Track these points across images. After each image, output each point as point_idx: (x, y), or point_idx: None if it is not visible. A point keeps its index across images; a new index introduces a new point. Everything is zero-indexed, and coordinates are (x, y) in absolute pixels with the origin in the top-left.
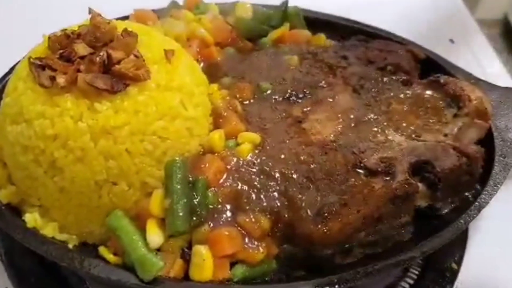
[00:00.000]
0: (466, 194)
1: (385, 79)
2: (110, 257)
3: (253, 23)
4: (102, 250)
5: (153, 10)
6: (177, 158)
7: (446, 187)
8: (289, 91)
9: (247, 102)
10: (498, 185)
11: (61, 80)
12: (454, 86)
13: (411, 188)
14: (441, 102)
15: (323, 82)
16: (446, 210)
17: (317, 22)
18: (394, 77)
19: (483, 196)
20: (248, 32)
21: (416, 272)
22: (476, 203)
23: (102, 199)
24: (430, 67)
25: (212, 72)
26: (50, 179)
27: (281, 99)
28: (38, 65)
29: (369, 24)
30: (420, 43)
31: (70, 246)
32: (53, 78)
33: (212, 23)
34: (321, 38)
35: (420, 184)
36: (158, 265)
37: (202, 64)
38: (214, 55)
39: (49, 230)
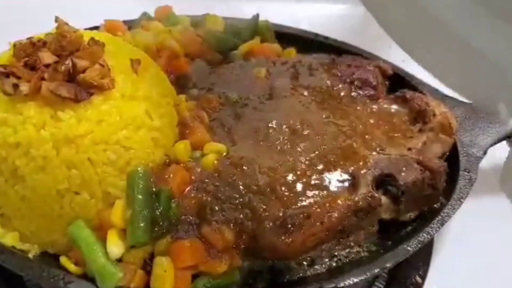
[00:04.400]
0: (430, 208)
1: (352, 93)
2: (71, 267)
3: (223, 36)
4: (64, 260)
5: (124, 21)
6: (139, 168)
7: (409, 200)
8: (256, 103)
9: (214, 113)
10: (462, 199)
11: (24, 88)
12: (419, 101)
13: (374, 201)
14: (406, 117)
15: (290, 94)
16: (409, 224)
17: (287, 37)
18: (361, 92)
19: (446, 210)
20: (218, 45)
21: (381, 286)
22: (439, 216)
23: (64, 209)
24: (398, 82)
25: (181, 83)
26: (11, 188)
27: (248, 110)
28: (2, 73)
29: (338, 39)
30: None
31: (31, 255)
32: (16, 86)
33: (183, 34)
34: (292, 52)
35: (383, 197)
36: (118, 275)
37: (171, 75)
38: (183, 67)
39: (9, 239)
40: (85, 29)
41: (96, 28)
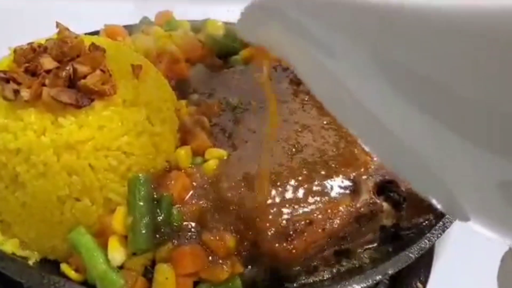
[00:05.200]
0: (432, 214)
1: None
2: (71, 274)
3: (224, 41)
4: (64, 266)
5: (124, 26)
6: (140, 175)
7: (411, 206)
8: (257, 108)
9: (215, 118)
10: None
11: (25, 93)
12: None
13: (375, 207)
14: None
15: (292, 99)
16: (411, 230)
17: None
18: None
19: (448, 216)
20: (218, 50)
21: None
22: (441, 222)
23: (65, 215)
24: None
25: (181, 89)
26: (11, 194)
27: (249, 115)
28: (3, 78)
29: None
30: None
31: (31, 262)
32: (17, 92)
33: (183, 39)
34: None
35: (385, 204)
36: (119, 283)
37: (171, 80)
38: (183, 72)
39: (9, 246)
40: (85, 34)
41: (96, 33)
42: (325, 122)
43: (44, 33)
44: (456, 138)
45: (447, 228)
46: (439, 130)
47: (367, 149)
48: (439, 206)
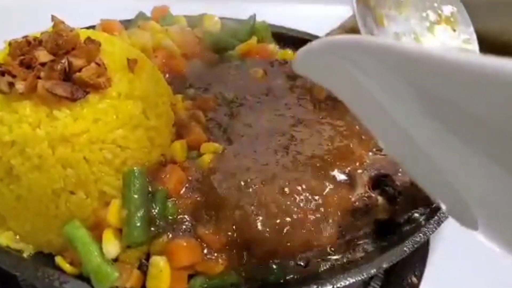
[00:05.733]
0: (426, 208)
1: None
2: (66, 267)
3: (220, 36)
4: (59, 259)
5: (121, 21)
6: (135, 168)
7: (406, 200)
8: (253, 103)
9: (211, 113)
10: None
11: (20, 86)
12: None
13: (370, 201)
14: None
15: (287, 93)
16: (406, 224)
17: (284, 37)
18: None
19: (443, 210)
20: (215, 45)
21: (377, 286)
22: (436, 217)
23: (60, 208)
24: None
25: (177, 83)
26: (6, 187)
27: (244, 110)
28: None
29: None
30: None
31: (25, 255)
32: (12, 84)
33: (179, 34)
34: (288, 53)
35: (380, 198)
36: (113, 275)
37: (167, 75)
38: (180, 67)
39: (4, 239)
40: (81, 28)
41: (92, 27)
42: (321, 117)
43: (40, 28)
44: (486, 162)
45: (442, 222)
46: (466, 152)
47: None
48: (446, 211)
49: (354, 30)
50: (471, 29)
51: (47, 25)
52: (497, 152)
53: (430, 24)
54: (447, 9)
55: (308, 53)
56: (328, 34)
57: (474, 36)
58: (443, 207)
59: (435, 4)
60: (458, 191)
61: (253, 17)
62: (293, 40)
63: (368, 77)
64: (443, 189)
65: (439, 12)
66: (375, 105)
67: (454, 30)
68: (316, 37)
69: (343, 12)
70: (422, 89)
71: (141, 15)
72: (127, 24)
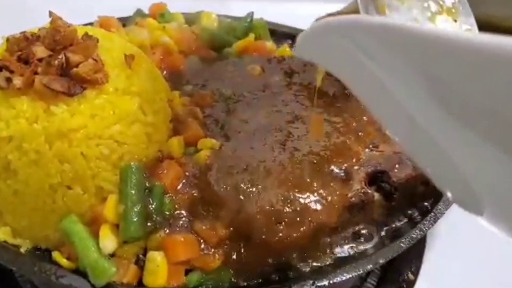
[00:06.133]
0: (423, 204)
1: (346, 90)
2: (63, 262)
3: (218, 33)
4: (56, 254)
5: (118, 18)
6: (132, 163)
7: (402, 197)
8: (250, 99)
9: (208, 109)
10: None
11: (17, 81)
12: None
13: (366, 198)
14: None
15: (284, 91)
16: (402, 220)
17: (282, 35)
18: None
19: (439, 206)
20: (212, 42)
21: (373, 282)
22: (432, 213)
23: (57, 203)
24: None
25: (175, 80)
26: (3, 182)
27: (242, 107)
28: None
29: None
30: None
31: (23, 250)
32: (9, 80)
33: (177, 31)
34: (286, 50)
35: (376, 194)
36: (111, 270)
37: (165, 72)
38: (177, 63)
39: (1, 234)
40: (79, 25)
41: (90, 24)
42: (318, 113)
43: (38, 24)
44: (494, 150)
45: (439, 218)
46: (474, 138)
47: (393, 138)
48: (451, 199)
49: None
50: (472, 19)
51: (45, 22)
52: (507, 139)
53: (431, 15)
54: (449, 0)
55: (309, 34)
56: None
57: (475, 27)
58: (448, 194)
59: None
60: (465, 178)
61: (250, 14)
62: (290, 37)
63: (370, 58)
64: (449, 176)
65: (441, 3)
66: (379, 87)
67: (455, 21)
68: None
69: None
70: (427, 70)
71: (138, 12)
72: (124, 21)
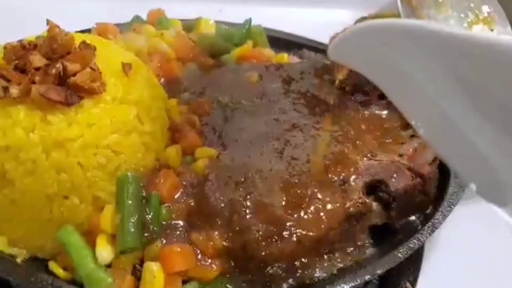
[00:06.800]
0: (421, 214)
1: (344, 99)
2: (60, 272)
3: (215, 40)
4: (52, 265)
5: (116, 24)
6: (129, 173)
7: (400, 206)
8: (248, 107)
9: (206, 117)
10: (452, 206)
11: (14, 91)
12: None
13: (364, 207)
14: (398, 122)
15: (282, 99)
16: (400, 230)
17: (280, 41)
18: (353, 97)
19: (437, 216)
20: (210, 49)
21: None
22: (430, 223)
23: (53, 213)
24: None
25: (172, 88)
26: (0, 192)
27: (239, 115)
28: None
29: None
30: None
31: (19, 260)
32: (6, 89)
33: (175, 38)
34: (284, 57)
35: (374, 203)
36: (107, 281)
37: (162, 79)
38: (175, 71)
39: None
40: (76, 32)
41: (87, 31)
42: (316, 122)
43: (35, 31)
44: None
45: (437, 228)
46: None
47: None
48: (475, 191)
49: None
50: (508, 28)
51: (42, 28)
52: None
53: (468, 24)
54: (485, 10)
55: (347, 37)
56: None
57: None
58: (472, 186)
59: (472, 5)
60: (493, 170)
61: (248, 21)
62: (288, 43)
63: (408, 60)
64: (477, 169)
65: (477, 12)
66: (413, 86)
67: (492, 30)
68: (312, 41)
69: (341, 16)
70: (456, 67)
71: (136, 19)
72: (122, 27)
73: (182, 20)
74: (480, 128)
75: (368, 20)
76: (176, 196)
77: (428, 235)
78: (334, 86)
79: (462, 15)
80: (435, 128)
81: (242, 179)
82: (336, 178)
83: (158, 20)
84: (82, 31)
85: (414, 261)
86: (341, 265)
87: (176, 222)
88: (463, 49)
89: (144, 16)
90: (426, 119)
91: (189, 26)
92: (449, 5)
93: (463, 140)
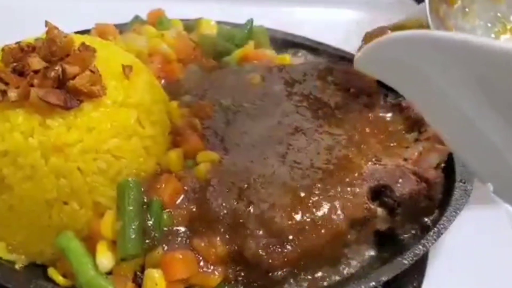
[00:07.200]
0: (426, 219)
1: (347, 101)
2: (59, 279)
3: (217, 41)
4: (51, 271)
5: (116, 25)
6: (129, 179)
7: (405, 212)
8: (250, 110)
9: (207, 120)
10: (458, 211)
11: (12, 94)
12: (415, 111)
13: (370, 213)
14: (402, 126)
15: (285, 101)
16: (405, 236)
17: (282, 42)
18: (356, 100)
19: (442, 222)
20: (212, 50)
21: None
22: (435, 228)
23: (53, 219)
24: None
25: (173, 90)
26: None
27: (241, 118)
28: None
29: (335, 46)
30: None
31: (17, 266)
32: (4, 92)
33: (175, 39)
34: (286, 58)
35: (379, 209)
36: None
37: (163, 81)
38: (176, 72)
39: None
40: (76, 32)
41: (87, 31)
42: (319, 125)
43: (32, 31)
44: None
45: (442, 233)
46: None
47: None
48: (493, 191)
49: None
50: None
51: (41, 28)
52: None
53: (495, 34)
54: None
55: (376, 48)
56: (367, 37)
57: None
58: (490, 186)
59: (499, 14)
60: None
61: (250, 21)
62: (291, 44)
63: (433, 68)
64: (496, 169)
65: (504, 22)
66: (437, 93)
67: None
68: (314, 41)
69: (344, 16)
70: (479, 72)
71: (136, 19)
72: (122, 27)
73: (182, 20)
74: (500, 129)
75: (373, 33)
76: (177, 202)
77: (433, 241)
78: (337, 89)
79: (489, 25)
80: (456, 130)
81: (245, 185)
82: (340, 184)
83: (159, 20)
84: (81, 32)
85: (418, 266)
86: (346, 272)
87: (177, 228)
88: (489, 58)
89: (144, 16)
90: (448, 122)
91: (190, 26)
92: (476, 15)
93: (482, 141)
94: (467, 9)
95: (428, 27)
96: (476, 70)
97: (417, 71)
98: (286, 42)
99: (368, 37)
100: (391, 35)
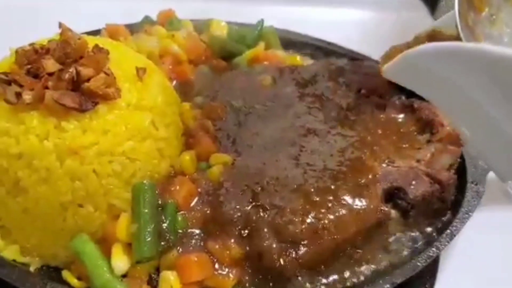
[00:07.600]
0: (439, 221)
1: (359, 102)
2: (74, 281)
3: (227, 42)
4: (66, 274)
5: (126, 25)
6: (145, 181)
7: (418, 214)
8: (261, 112)
9: (220, 122)
10: (470, 213)
11: (27, 96)
12: (427, 111)
13: (383, 216)
14: (414, 127)
15: (296, 103)
16: (417, 237)
17: (292, 43)
18: (368, 100)
19: (455, 224)
20: (222, 51)
21: None
22: (448, 230)
23: (67, 222)
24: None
25: (185, 91)
26: (13, 199)
27: (253, 120)
28: (4, 80)
29: (345, 46)
30: None
31: (32, 269)
32: (19, 95)
33: (186, 40)
34: (296, 58)
35: (392, 211)
36: None
37: (174, 82)
38: (187, 73)
39: (10, 252)
40: (86, 33)
41: (97, 32)
42: (331, 127)
43: (44, 31)
44: None
45: (455, 236)
46: None
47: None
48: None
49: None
50: None
51: (50, 28)
52: None
53: None
54: None
55: (407, 58)
56: (393, 48)
57: None
58: (510, 184)
59: None
60: None
61: (261, 22)
62: (301, 45)
63: (460, 75)
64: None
65: None
66: (463, 97)
67: None
68: (325, 42)
69: (354, 16)
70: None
71: (146, 19)
72: (132, 28)
73: (192, 20)
74: None
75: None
76: (191, 204)
77: (446, 243)
78: (348, 90)
79: None
80: (481, 131)
81: (259, 188)
82: (354, 186)
83: (169, 21)
84: (91, 32)
85: (430, 268)
86: (360, 274)
87: (192, 230)
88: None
89: (154, 16)
90: (473, 123)
91: (200, 27)
92: (503, 23)
93: (505, 141)
94: (494, 17)
95: (458, 37)
96: (504, 77)
97: (448, 81)
98: (296, 43)
99: (394, 51)
100: (421, 48)
